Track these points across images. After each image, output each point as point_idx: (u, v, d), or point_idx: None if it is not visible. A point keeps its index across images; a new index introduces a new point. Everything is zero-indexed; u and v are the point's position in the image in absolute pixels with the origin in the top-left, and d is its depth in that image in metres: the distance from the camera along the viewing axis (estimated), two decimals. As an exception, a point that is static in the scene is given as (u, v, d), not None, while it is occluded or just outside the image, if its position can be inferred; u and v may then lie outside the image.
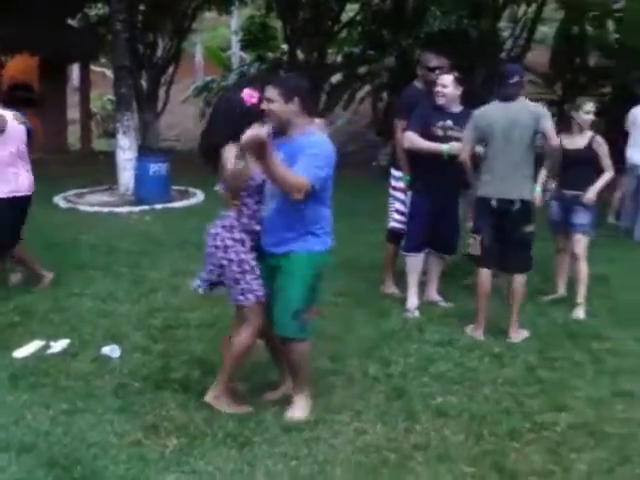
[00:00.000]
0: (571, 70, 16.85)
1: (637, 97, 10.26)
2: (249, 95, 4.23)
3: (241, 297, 4.25)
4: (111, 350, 5.17)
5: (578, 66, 16.86)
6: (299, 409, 4.37)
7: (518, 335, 5.62)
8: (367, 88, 17.70)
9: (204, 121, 4.33)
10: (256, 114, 4.13)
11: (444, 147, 5.87)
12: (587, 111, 6.27)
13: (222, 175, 4.23)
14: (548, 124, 5.48)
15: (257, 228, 4.24)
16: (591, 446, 4.14)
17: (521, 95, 5.65)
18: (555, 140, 5.54)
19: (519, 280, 5.66)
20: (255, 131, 3.78)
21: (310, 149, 4.04)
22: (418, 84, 6.51)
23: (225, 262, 4.25)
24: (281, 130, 4.15)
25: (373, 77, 16.82)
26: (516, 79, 5.57)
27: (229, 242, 4.24)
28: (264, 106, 4.13)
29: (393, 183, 6.48)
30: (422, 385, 4.80)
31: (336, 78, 17.54)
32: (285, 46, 17.41)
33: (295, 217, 4.15)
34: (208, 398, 4.37)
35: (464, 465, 3.92)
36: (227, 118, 4.20)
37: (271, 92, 4.11)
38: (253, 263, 4.25)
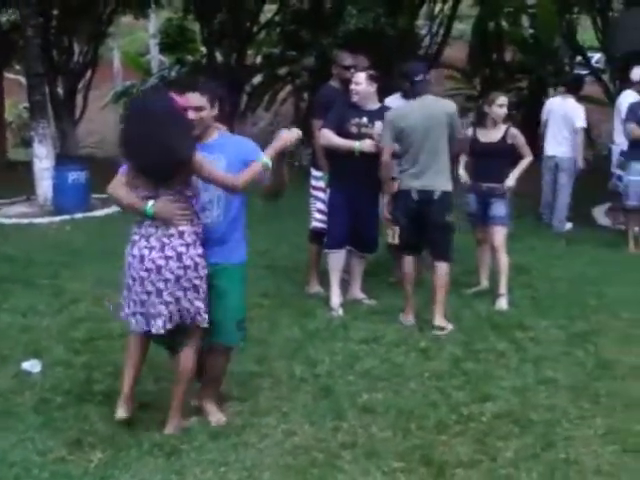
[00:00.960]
0: (488, 65, 17.17)
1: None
2: (182, 104, 4.08)
3: (199, 317, 4.07)
4: (31, 365, 5.02)
5: (495, 61, 17.19)
6: (218, 412, 4.35)
7: (443, 322, 5.70)
8: (288, 88, 17.69)
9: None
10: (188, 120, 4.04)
11: (355, 145, 5.91)
12: (500, 104, 6.38)
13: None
14: (457, 123, 5.78)
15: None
16: (516, 434, 4.21)
17: (430, 92, 5.81)
18: (459, 144, 5.91)
19: (442, 269, 5.76)
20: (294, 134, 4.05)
21: (254, 149, 4.13)
22: (334, 83, 6.53)
23: (197, 282, 4.03)
24: (199, 136, 4.09)
25: (294, 77, 16.81)
26: (421, 77, 5.77)
27: (198, 259, 4.03)
28: (193, 115, 4.03)
29: (313, 183, 6.48)
30: (348, 383, 4.81)
31: (257, 79, 17.47)
32: (204, 49, 17.26)
33: (235, 225, 4.18)
34: (169, 430, 4.16)
35: (393, 460, 3.93)
36: (175, 131, 3.92)
37: (199, 99, 4.05)
38: (204, 264, 4.10)
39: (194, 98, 4.05)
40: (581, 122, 9.08)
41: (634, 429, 4.26)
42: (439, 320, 5.69)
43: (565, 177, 9.25)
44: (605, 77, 15.86)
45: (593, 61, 18.36)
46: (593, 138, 15.81)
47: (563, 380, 4.86)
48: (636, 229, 8.32)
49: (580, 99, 10.23)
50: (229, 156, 4.08)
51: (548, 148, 9.35)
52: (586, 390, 4.73)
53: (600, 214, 9.85)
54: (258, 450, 4.03)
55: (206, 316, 4.08)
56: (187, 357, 4.15)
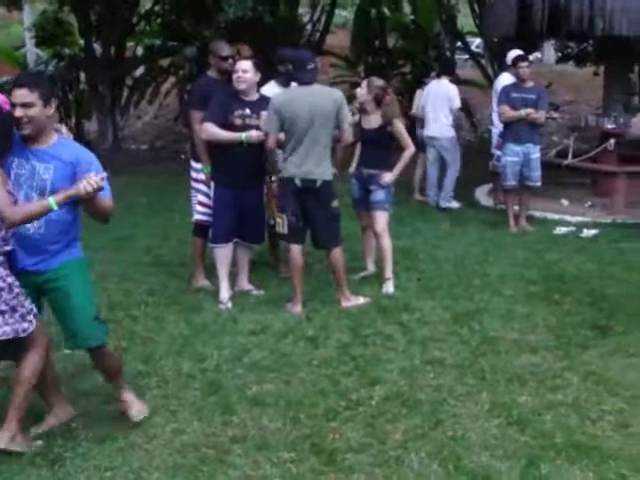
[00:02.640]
0: (371, 52, 17.32)
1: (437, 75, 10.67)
2: (3, 101, 3.84)
3: (25, 324, 3.81)
4: None
5: (378, 48, 17.36)
6: (137, 402, 4.26)
7: (350, 302, 5.84)
8: (172, 80, 17.38)
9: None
10: (11, 122, 3.79)
11: (242, 136, 5.84)
12: (360, 87, 6.49)
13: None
14: (345, 110, 5.75)
15: (7, 249, 3.83)
16: (405, 415, 4.25)
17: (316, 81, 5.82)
18: (349, 131, 5.84)
19: (334, 253, 5.83)
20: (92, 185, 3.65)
21: (90, 164, 3.88)
22: (212, 74, 6.41)
23: (14, 302, 3.76)
24: (32, 137, 3.86)
25: (177, 69, 16.52)
26: (312, 65, 5.72)
27: (9, 280, 3.77)
28: (20, 112, 3.78)
29: (194, 175, 6.37)
30: (237, 376, 4.75)
31: (139, 71, 17.08)
32: (83, 41, 16.74)
33: (64, 228, 3.96)
34: (2, 444, 3.83)
35: (283, 451, 3.91)
36: None
37: (29, 95, 3.79)
38: (17, 283, 3.83)
39: (21, 93, 3.78)
40: (457, 102, 9.49)
41: (517, 401, 4.38)
42: (345, 302, 5.84)
43: (449, 156, 9.60)
44: (484, 61, 16.30)
45: (473, 46, 18.84)
46: (475, 121, 16.27)
47: (449, 359, 4.95)
48: (515, 208, 8.56)
49: (460, 82, 10.55)
50: (61, 165, 3.86)
51: (429, 129, 9.65)
52: (471, 367, 4.83)
53: (482, 195, 10.09)
54: (146, 451, 3.93)
55: (25, 325, 3.81)
56: (28, 365, 3.90)
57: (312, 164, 5.66)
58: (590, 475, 3.68)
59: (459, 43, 17.31)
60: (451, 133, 9.55)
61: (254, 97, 5.99)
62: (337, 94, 5.82)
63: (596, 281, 6.39)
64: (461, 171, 9.65)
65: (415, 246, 7.56)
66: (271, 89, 6.25)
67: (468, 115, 15.28)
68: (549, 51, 25.37)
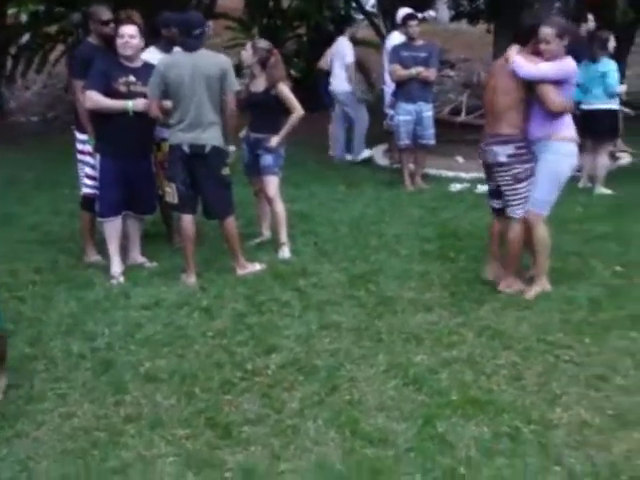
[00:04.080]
0: (266, 14, 17.06)
1: (332, 35, 10.78)
2: None
3: None
4: None
5: (272, 9, 17.11)
6: None
7: (245, 269, 5.77)
8: (62, 48, 16.72)
9: None
10: None
11: (129, 104, 5.62)
12: (247, 51, 6.31)
13: None
14: (230, 77, 5.58)
15: None
16: (301, 382, 4.20)
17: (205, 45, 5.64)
18: (231, 98, 5.61)
19: (227, 222, 5.73)
20: None
21: None
22: (92, 39, 6.12)
23: None
24: None
25: (65, 35, 15.89)
26: (199, 30, 5.53)
27: None
28: None
29: (79, 147, 6.10)
30: (130, 353, 4.60)
31: (25, 39, 16.36)
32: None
33: None
34: None
35: (178, 428, 3.80)
36: None
37: None
38: None
39: None
40: (349, 57, 9.73)
41: (413, 361, 4.39)
42: (240, 269, 5.77)
43: (350, 111, 9.88)
44: (378, 21, 16.26)
45: (368, 6, 18.76)
46: (372, 81, 16.27)
47: (346, 322, 4.92)
48: (411, 166, 8.59)
49: (356, 42, 10.61)
50: None
51: (332, 85, 9.98)
52: (368, 330, 4.81)
53: (379, 155, 10.10)
54: (34, 439, 3.76)
55: None
56: None
57: (199, 130, 5.52)
58: (485, 430, 3.71)
59: (354, 3, 17.21)
60: (347, 88, 9.78)
61: (138, 63, 5.77)
62: (222, 60, 5.64)
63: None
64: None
65: (312, 209, 7.51)
66: (151, 55, 6.02)
67: (366, 75, 15.29)
68: (443, 10, 25.54)
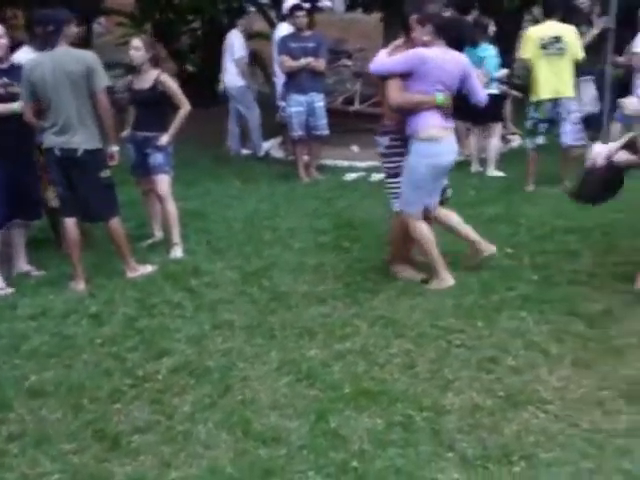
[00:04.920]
0: (158, 8, 16.72)
1: (227, 28, 10.64)
2: None
3: None
4: None
5: (164, 3, 16.79)
6: None
7: (136, 272, 5.63)
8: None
9: None
10: None
11: (14, 106, 5.41)
12: (135, 47, 6.13)
13: None
14: (98, 75, 5.32)
15: None
16: (193, 385, 4.10)
17: (66, 42, 5.39)
18: (102, 96, 5.35)
19: (112, 224, 5.56)
20: None
21: None
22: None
23: None
24: None
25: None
26: (53, 27, 5.29)
27: None
28: None
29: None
30: (15, 367, 4.40)
31: None
32: None
33: None
34: None
35: (64, 443, 3.65)
36: None
37: None
38: None
39: None
40: (238, 52, 9.55)
41: (306, 355, 4.35)
42: (131, 272, 5.62)
43: (242, 107, 9.71)
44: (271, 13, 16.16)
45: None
46: (269, 73, 16.17)
47: (239, 321, 4.84)
48: (305, 158, 8.56)
49: (250, 35, 10.56)
50: None
51: (224, 79, 9.84)
52: (261, 327, 4.75)
53: (274, 147, 10.04)
54: None
55: None
56: None
57: (70, 133, 5.31)
58: (378, 421, 3.70)
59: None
60: (239, 83, 9.62)
61: (6, 65, 5.56)
62: (88, 57, 5.38)
63: (384, 225, 6.47)
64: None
65: (205, 207, 7.39)
66: (25, 54, 5.79)
67: (263, 68, 15.18)
68: (339, -1, 25.64)
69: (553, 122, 7.75)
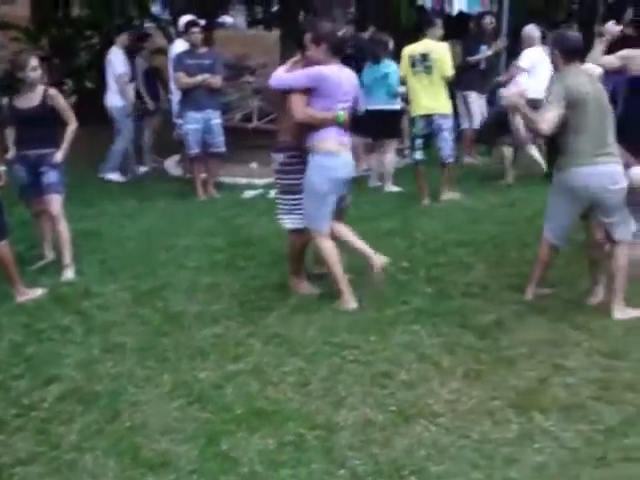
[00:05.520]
0: (55, 23, 16.35)
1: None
2: None
3: None
4: None
5: (61, 18, 16.42)
6: None
7: (25, 295, 5.47)
8: None
9: None
10: None
11: None
12: (33, 67, 5.95)
13: None
14: None
15: None
16: (81, 412, 3.97)
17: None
18: None
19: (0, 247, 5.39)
20: None
21: None
22: None
23: None
24: None
25: None
26: None
27: None
28: None
29: None
30: None
31: None
32: None
33: None
34: None
35: (-58, 479, 3.48)
36: None
37: None
38: None
39: None
40: (117, 69, 9.35)
41: (199, 377, 4.27)
42: (20, 296, 5.45)
43: (117, 126, 9.41)
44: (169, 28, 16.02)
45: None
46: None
47: (130, 343, 4.72)
48: (202, 175, 8.49)
49: (152, 52, 10.40)
50: None
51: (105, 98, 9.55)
52: (153, 349, 4.64)
53: (172, 165, 9.93)
54: None
55: None
56: None
57: None
58: (270, 441, 3.65)
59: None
60: (119, 103, 9.37)
61: None
62: None
63: (279, 241, 6.45)
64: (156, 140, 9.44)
65: (100, 227, 7.22)
66: None
67: (163, 85, 15.01)
68: (240, 16, 25.71)
69: (429, 137, 7.98)
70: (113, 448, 3.64)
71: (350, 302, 5.16)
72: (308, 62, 5.08)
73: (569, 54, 4.89)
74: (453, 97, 9.26)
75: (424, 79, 7.67)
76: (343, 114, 5.08)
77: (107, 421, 3.88)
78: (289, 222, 5.26)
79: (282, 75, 5.10)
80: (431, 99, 7.72)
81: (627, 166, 5.09)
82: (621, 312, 4.97)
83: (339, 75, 5.07)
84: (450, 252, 6.29)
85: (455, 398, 4.02)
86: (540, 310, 5.08)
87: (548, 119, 4.76)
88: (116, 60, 9.36)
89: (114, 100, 9.36)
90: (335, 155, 5.09)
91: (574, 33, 5.49)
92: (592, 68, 5.27)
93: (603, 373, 4.25)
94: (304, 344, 4.63)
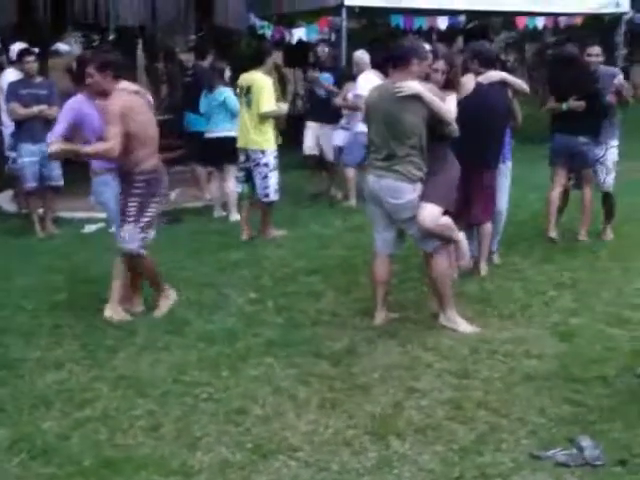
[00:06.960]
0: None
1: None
2: None
3: None
4: None
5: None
6: None
7: None
8: None
9: None
10: None
11: None
12: None
13: None
14: None
15: None
16: None
17: None
18: None
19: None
20: None
21: None
22: None
23: None
24: None
25: None
26: None
27: None
28: None
29: None
30: None
31: None
32: None
33: None
34: None
35: None
36: None
37: None
38: None
39: None
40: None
41: (42, 428, 4.00)
42: None
43: None
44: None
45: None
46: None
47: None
48: (39, 211, 8.11)
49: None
50: None
51: None
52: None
53: (6, 201, 9.44)
54: None
55: None
56: None
57: None
58: (119, 492, 3.46)
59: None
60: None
61: None
62: None
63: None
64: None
65: None
66: None
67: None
68: (76, 44, 25.02)
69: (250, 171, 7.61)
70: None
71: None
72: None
73: None
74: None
75: (246, 112, 7.53)
76: None
77: None
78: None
79: None
80: (245, 133, 7.53)
81: None
82: (446, 320, 5.25)
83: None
84: (299, 280, 6.28)
85: (312, 430, 3.97)
86: (390, 334, 5.14)
87: None
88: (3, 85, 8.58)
89: None
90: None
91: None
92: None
93: (455, 393, 4.33)
94: (154, 384, 4.45)
